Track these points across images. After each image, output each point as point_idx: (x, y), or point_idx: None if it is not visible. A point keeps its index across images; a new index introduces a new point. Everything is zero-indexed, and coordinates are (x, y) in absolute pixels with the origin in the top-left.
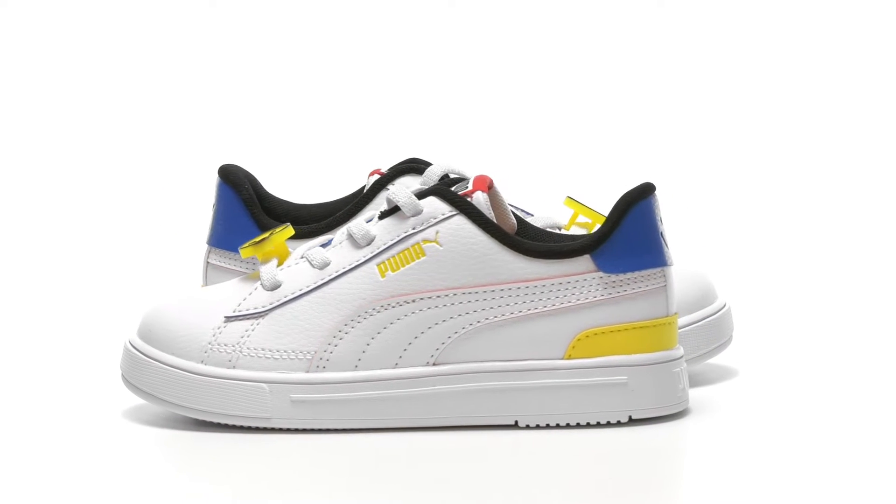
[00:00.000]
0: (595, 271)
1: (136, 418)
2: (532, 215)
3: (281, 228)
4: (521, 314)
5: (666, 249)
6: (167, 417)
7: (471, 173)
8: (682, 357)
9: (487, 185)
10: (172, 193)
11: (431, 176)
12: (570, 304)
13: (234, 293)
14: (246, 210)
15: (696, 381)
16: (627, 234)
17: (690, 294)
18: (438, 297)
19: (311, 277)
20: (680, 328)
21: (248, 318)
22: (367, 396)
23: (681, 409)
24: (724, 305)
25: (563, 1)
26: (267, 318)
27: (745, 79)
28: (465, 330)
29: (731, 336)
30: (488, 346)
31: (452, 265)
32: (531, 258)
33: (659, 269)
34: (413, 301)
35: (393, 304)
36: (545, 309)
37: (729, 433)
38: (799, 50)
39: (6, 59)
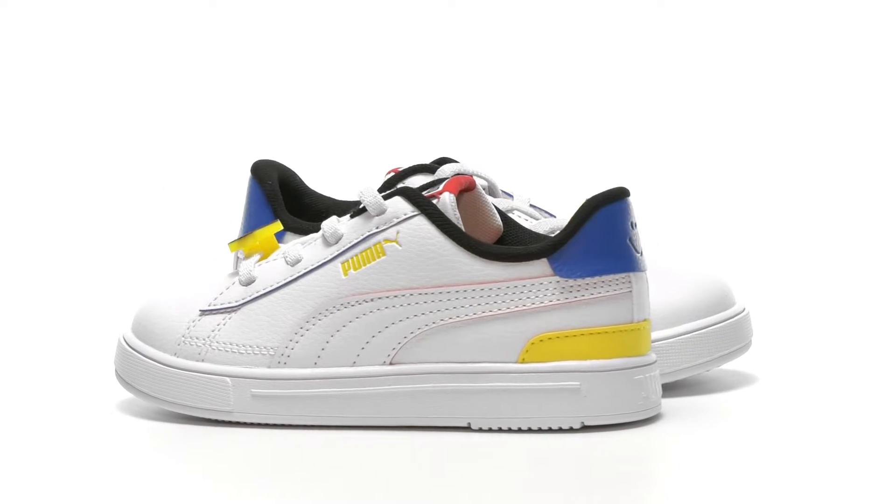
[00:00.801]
0: (551, 275)
1: (128, 411)
2: (555, 216)
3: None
4: (475, 316)
5: (636, 255)
6: (157, 411)
7: (488, 174)
8: (649, 364)
9: (461, 187)
10: (204, 191)
11: (441, 176)
12: (524, 307)
13: (214, 287)
14: (268, 205)
15: (705, 386)
16: (588, 239)
17: (705, 298)
18: (396, 296)
19: (282, 273)
20: (693, 332)
21: (221, 313)
22: (325, 394)
23: (642, 418)
24: (743, 310)
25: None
26: (238, 312)
27: (765, 75)
28: (420, 331)
29: (751, 341)
30: (443, 348)
31: (410, 265)
32: (488, 260)
33: (624, 275)
34: (371, 300)
35: (352, 303)
36: (500, 312)
37: (703, 440)
38: (812, 48)
39: (32, 56)
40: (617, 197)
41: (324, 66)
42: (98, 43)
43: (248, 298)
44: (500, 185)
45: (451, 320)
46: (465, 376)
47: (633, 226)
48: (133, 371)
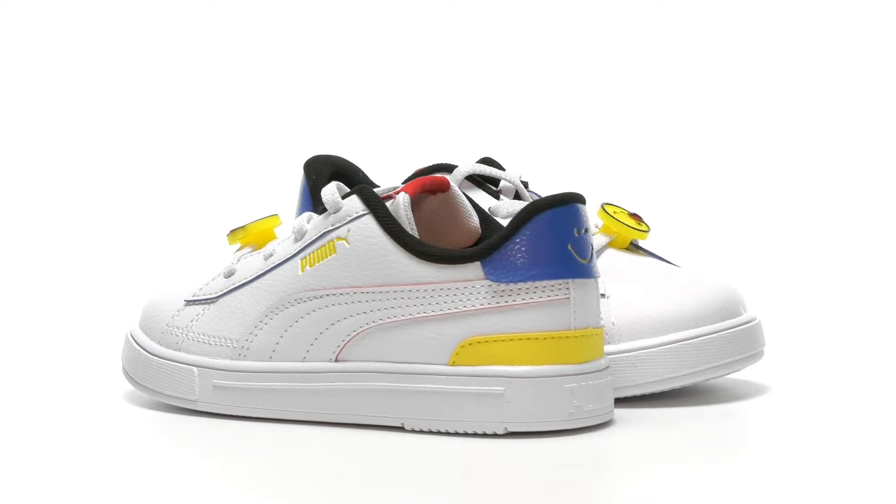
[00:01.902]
0: (483, 279)
1: (134, 401)
2: None
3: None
4: (411, 317)
5: (578, 262)
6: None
7: (515, 174)
8: (589, 373)
9: (424, 188)
10: (230, 188)
11: (457, 176)
12: (456, 310)
13: (203, 278)
14: (309, 200)
15: (705, 395)
16: (522, 244)
17: (712, 304)
18: (342, 294)
19: (256, 267)
20: (696, 337)
21: (201, 304)
22: (276, 387)
23: (570, 427)
24: (753, 319)
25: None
26: (216, 304)
27: (788, 80)
28: (362, 329)
29: (762, 351)
30: (382, 347)
31: (355, 264)
32: (425, 262)
33: (561, 282)
34: (320, 297)
35: (305, 299)
36: (433, 314)
37: (642, 449)
38: (818, 50)
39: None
40: (558, 203)
41: (366, 67)
42: (107, 43)
43: (225, 290)
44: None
45: (389, 320)
46: (399, 377)
47: (580, 232)
48: (128, 359)
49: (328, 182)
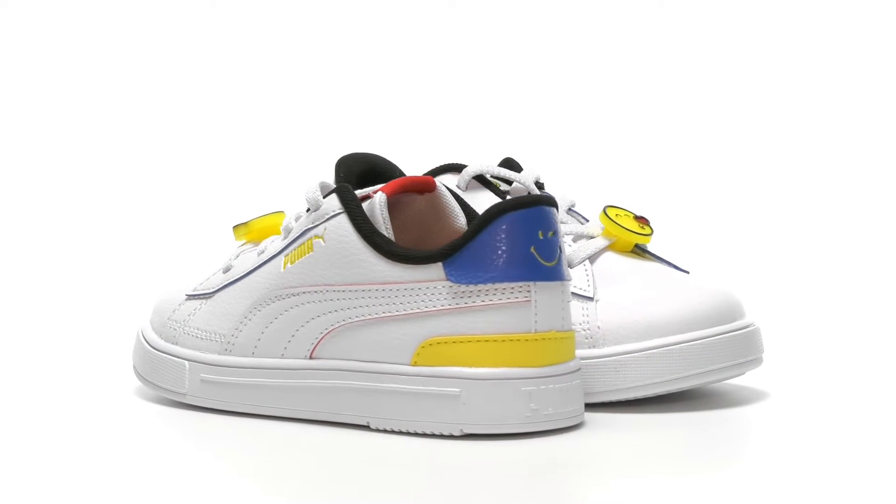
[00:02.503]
0: (443, 280)
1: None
2: (588, 221)
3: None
4: (377, 316)
5: (541, 265)
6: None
7: (515, 175)
8: (550, 377)
9: (404, 189)
10: (256, 187)
11: (465, 176)
12: (418, 310)
13: (205, 273)
14: None
15: (696, 400)
16: (483, 246)
17: (699, 310)
18: (316, 292)
19: (249, 264)
20: (679, 343)
21: (199, 298)
22: (257, 383)
23: (526, 430)
24: (746, 326)
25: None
26: (212, 299)
27: (780, 88)
28: (334, 327)
29: (759, 358)
30: (351, 346)
31: (329, 262)
32: (392, 262)
33: (522, 284)
34: (297, 294)
35: (284, 295)
36: (397, 314)
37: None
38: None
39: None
40: (522, 205)
41: (383, 68)
42: (113, 43)
43: (221, 286)
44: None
45: (358, 319)
46: (366, 375)
47: (545, 234)
48: (136, 354)
49: (357, 181)
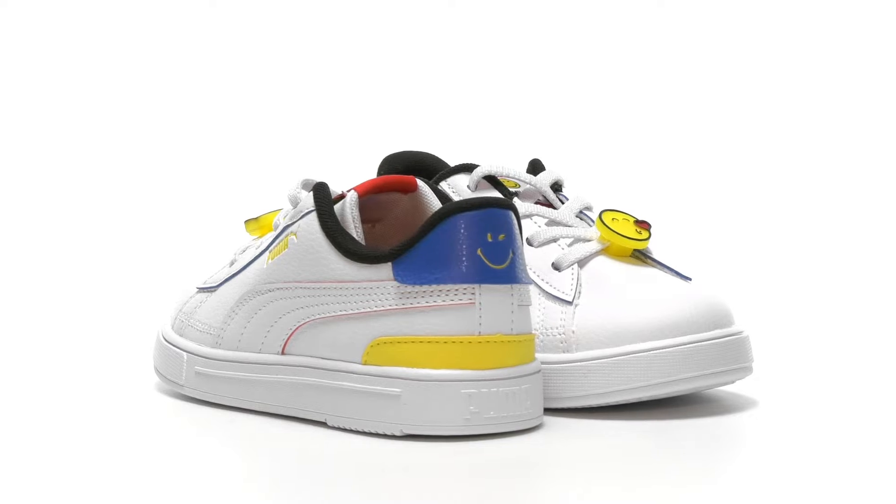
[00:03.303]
0: (391, 280)
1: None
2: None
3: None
4: (335, 314)
5: (488, 267)
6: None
7: (527, 177)
8: (493, 380)
9: (379, 188)
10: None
11: (475, 176)
12: (368, 309)
13: (217, 267)
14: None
15: (671, 407)
16: (430, 247)
17: (676, 317)
18: (288, 288)
19: (248, 258)
20: (648, 350)
21: (206, 291)
22: (237, 377)
23: (465, 433)
24: (733, 334)
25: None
26: (216, 292)
27: (778, 96)
28: (301, 323)
29: (746, 367)
30: (314, 343)
31: (298, 260)
32: (349, 260)
33: (467, 286)
34: (272, 290)
35: (263, 291)
36: (351, 312)
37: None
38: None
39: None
40: (470, 207)
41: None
42: (133, 41)
43: (224, 280)
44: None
45: (319, 316)
46: (324, 373)
47: (495, 237)
48: (154, 344)
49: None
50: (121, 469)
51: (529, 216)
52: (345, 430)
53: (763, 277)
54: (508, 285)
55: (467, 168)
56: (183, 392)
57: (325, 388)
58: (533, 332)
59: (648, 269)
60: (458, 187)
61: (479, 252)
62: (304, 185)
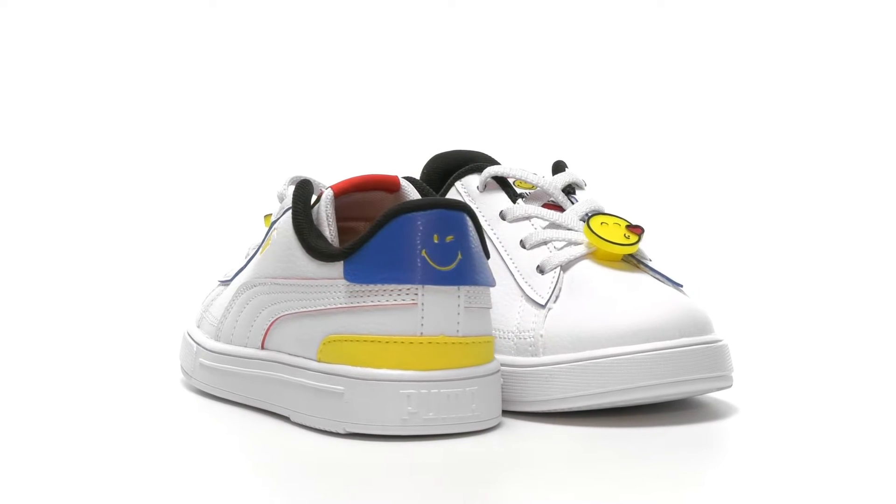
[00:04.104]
0: (341, 278)
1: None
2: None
3: None
4: (298, 311)
5: (432, 268)
6: None
7: (537, 179)
8: (434, 381)
9: (356, 187)
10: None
11: (483, 177)
12: (323, 307)
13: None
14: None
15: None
16: (378, 246)
17: (642, 324)
18: (267, 284)
19: (254, 253)
20: (607, 357)
21: (223, 284)
22: (227, 370)
23: (403, 434)
24: (713, 342)
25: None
26: (230, 286)
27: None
28: (276, 318)
29: (726, 376)
30: (283, 338)
31: (276, 256)
32: (311, 258)
33: (410, 287)
34: (256, 286)
35: (251, 286)
36: (311, 309)
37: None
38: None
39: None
40: (417, 207)
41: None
42: (119, 45)
43: (235, 273)
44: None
45: (288, 312)
46: (288, 368)
47: (442, 238)
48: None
49: (442, 178)
50: (95, 458)
51: (527, 218)
52: (302, 426)
53: (772, 287)
54: (455, 287)
55: (479, 169)
56: (191, 383)
57: (287, 384)
58: (491, 334)
59: (636, 274)
60: (470, 188)
61: (423, 253)
62: (291, 182)
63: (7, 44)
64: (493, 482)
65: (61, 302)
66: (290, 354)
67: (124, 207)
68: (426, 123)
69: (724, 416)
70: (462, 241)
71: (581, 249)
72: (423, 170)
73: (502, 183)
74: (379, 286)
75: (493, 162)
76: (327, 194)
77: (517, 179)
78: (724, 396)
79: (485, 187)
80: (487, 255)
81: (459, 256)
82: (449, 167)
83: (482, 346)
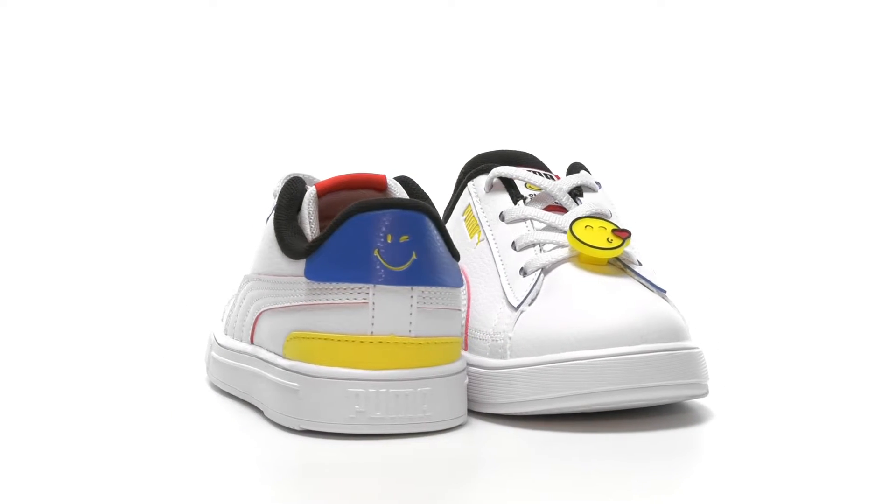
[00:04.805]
0: (302, 276)
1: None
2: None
3: None
4: (272, 307)
5: (386, 268)
6: None
7: (541, 181)
8: (384, 381)
9: (338, 186)
10: None
11: (489, 178)
12: (287, 304)
13: None
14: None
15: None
16: (335, 245)
17: (601, 329)
18: (254, 279)
19: None
20: (563, 361)
21: (247, 281)
22: (226, 363)
23: (353, 432)
24: (679, 349)
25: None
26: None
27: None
28: (259, 314)
29: (698, 384)
30: (262, 333)
31: (261, 251)
32: (283, 255)
33: (361, 286)
34: (250, 280)
35: (247, 280)
36: (281, 305)
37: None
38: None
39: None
40: (370, 207)
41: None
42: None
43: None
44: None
45: (266, 308)
46: (262, 363)
47: (396, 239)
48: None
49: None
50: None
51: (524, 220)
52: (272, 421)
53: (772, 294)
54: (408, 287)
55: (489, 170)
56: (207, 376)
57: (262, 379)
58: (455, 335)
59: (619, 278)
60: (479, 188)
61: (375, 253)
62: (284, 179)
63: (7, 44)
64: (424, 483)
65: (92, 301)
66: (266, 350)
67: (150, 205)
68: (444, 124)
69: (699, 423)
70: (418, 242)
71: (565, 252)
72: (463, 169)
73: (508, 184)
74: (334, 284)
75: (537, 163)
76: (310, 192)
77: (526, 181)
78: (710, 404)
79: (490, 188)
80: (457, 257)
81: (414, 257)
82: (487, 166)
83: (439, 347)
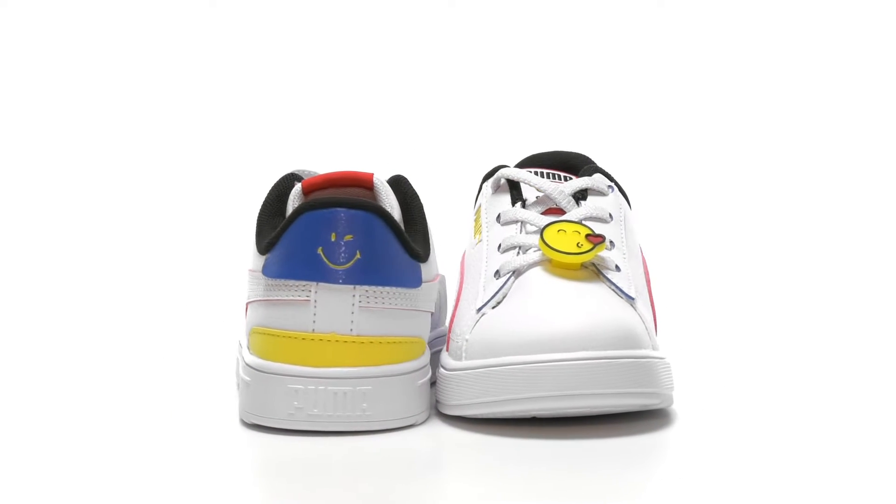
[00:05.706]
0: (260, 271)
1: None
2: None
3: None
4: (248, 300)
5: (328, 266)
6: None
7: (543, 184)
8: (322, 378)
9: (325, 184)
10: None
11: (494, 179)
12: (250, 299)
13: None
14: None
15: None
16: (285, 242)
17: (546, 333)
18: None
19: None
20: (502, 365)
21: None
22: (237, 358)
23: (289, 427)
24: (639, 357)
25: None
26: None
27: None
28: (246, 306)
29: (654, 393)
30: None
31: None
32: (256, 251)
33: (305, 283)
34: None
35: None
36: (250, 300)
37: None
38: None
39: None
40: (317, 206)
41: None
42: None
43: None
44: None
45: (247, 301)
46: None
47: (340, 238)
48: None
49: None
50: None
51: (517, 222)
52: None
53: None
54: (350, 286)
55: (490, 173)
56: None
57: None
58: (408, 335)
59: (588, 283)
60: (488, 189)
61: (319, 251)
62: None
63: (7, 43)
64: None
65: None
66: (241, 344)
67: (150, 205)
68: (457, 124)
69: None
70: (362, 241)
71: (537, 256)
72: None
73: (513, 186)
74: (282, 281)
75: (592, 165)
76: (295, 189)
77: (528, 183)
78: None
79: (496, 189)
80: (420, 258)
81: (358, 256)
82: (541, 166)
83: (385, 346)
